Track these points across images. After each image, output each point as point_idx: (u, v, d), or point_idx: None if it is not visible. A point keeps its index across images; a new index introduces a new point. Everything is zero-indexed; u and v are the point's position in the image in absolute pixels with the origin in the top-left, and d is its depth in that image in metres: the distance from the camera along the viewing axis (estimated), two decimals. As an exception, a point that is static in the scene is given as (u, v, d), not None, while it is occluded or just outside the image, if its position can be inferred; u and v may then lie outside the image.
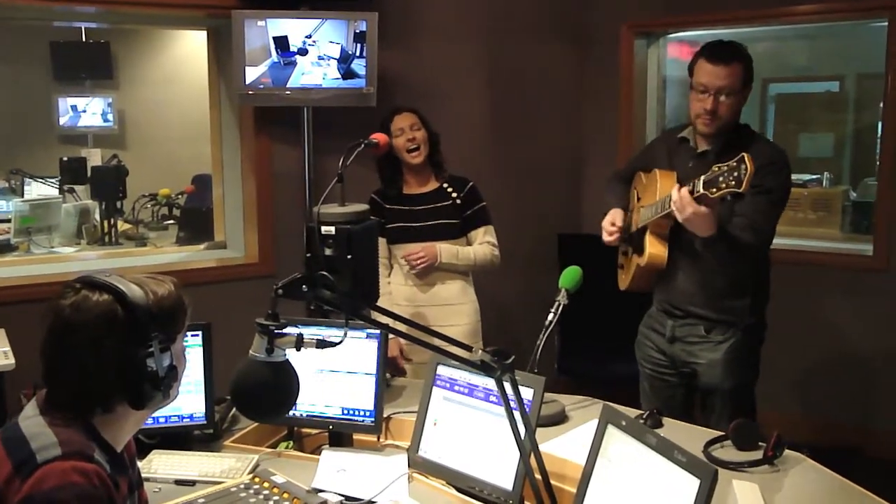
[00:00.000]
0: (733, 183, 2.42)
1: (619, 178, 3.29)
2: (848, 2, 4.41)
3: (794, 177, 5.37)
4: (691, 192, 2.57)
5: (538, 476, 1.94)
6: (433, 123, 3.67)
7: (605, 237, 3.08)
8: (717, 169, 2.47)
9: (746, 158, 2.39)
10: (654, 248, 2.90)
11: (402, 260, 3.58)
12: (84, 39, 7.88)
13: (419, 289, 3.60)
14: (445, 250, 3.56)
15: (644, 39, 5.16)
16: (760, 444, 2.35)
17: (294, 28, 4.07)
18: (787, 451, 2.31)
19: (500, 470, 2.17)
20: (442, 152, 3.69)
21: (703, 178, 2.52)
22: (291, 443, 2.64)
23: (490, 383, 2.18)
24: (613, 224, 3.06)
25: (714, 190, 2.47)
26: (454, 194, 3.63)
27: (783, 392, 4.67)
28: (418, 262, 3.52)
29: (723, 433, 2.45)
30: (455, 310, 3.63)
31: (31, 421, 1.59)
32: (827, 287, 4.65)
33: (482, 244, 3.64)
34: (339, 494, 2.22)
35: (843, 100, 6.34)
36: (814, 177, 5.76)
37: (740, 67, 2.84)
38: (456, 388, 2.33)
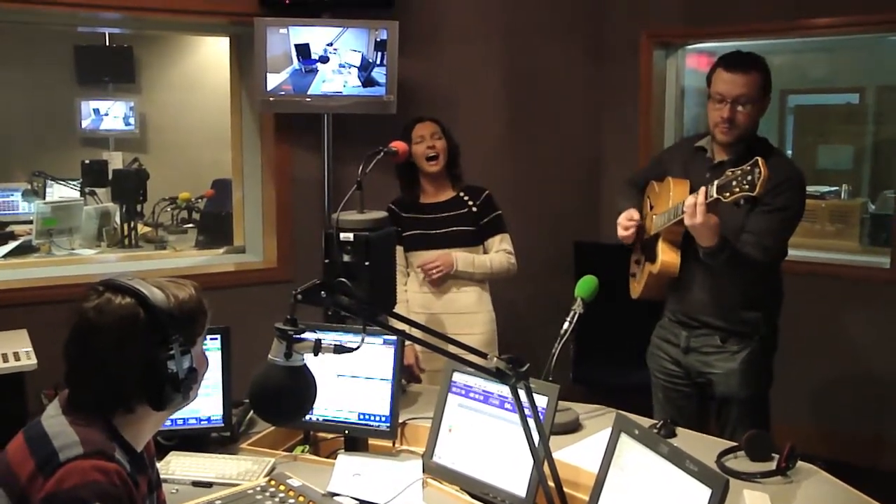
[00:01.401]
0: (747, 187, 2.44)
1: (633, 185, 3.29)
2: (867, 15, 4.40)
3: (812, 188, 5.42)
4: (706, 196, 2.59)
5: (551, 483, 1.96)
6: (452, 131, 3.69)
7: (621, 231, 3.06)
8: (730, 173, 2.50)
9: (760, 162, 2.41)
10: (667, 256, 2.91)
11: (418, 269, 3.60)
12: (107, 44, 7.96)
13: (435, 297, 3.61)
14: (461, 258, 3.57)
15: (663, 50, 5.17)
16: (774, 455, 2.35)
17: (316, 36, 4.11)
18: (800, 463, 2.32)
19: (514, 477, 2.18)
20: (461, 164, 3.71)
21: (716, 182, 2.55)
22: (307, 447, 2.66)
23: (505, 391, 2.20)
24: (632, 219, 3.04)
25: (727, 194, 2.50)
26: (470, 202, 3.65)
27: (798, 404, 4.66)
28: (434, 270, 3.54)
29: (736, 444, 2.46)
30: (471, 319, 3.63)
31: (54, 420, 1.62)
32: (843, 299, 4.63)
33: (498, 252, 3.64)
34: (354, 498, 2.24)
35: (863, 112, 6.31)
36: (832, 189, 5.74)
37: (758, 76, 2.85)
38: (471, 394, 2.35)
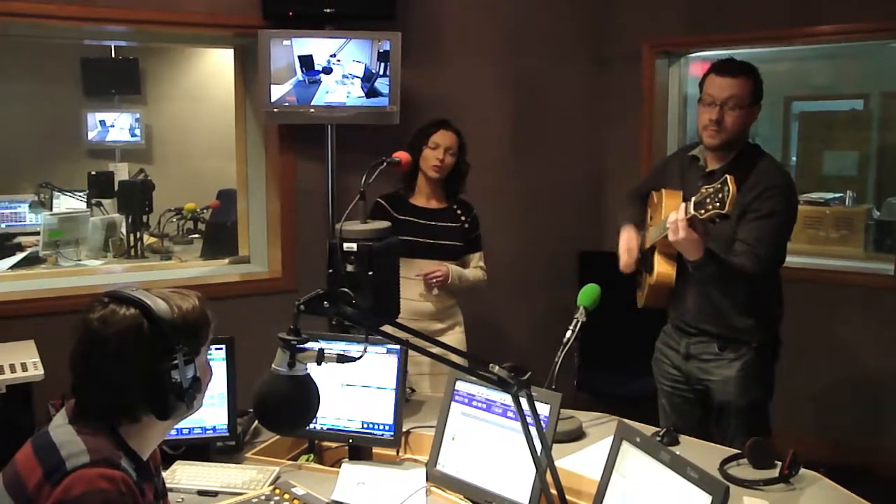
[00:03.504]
0: (718, 205, 2.47)
1: (635, 196, 3.31)
2: (871, 22, 4.41)
3: (816, 195, 5.42)
4: (685, 213, 2.61)
5: (554, 491, 1.97)
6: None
7: (622, 265, 3.13)
8: (704, 191, 2.53)
9: (729, 180, 2.45)
10: (662, 268, 2.94)
11: (416, 276, 3.62)
12: (113, 56, 8.00)
13: (416, 302, 3.64)
14: (455, 271, 3.66)
15: (665, 59, 5.19)
16: (777, 462, 2.36)
17: (319, 47, 4.14)
18: (802, 470, 2.32)
19: (517, 485, 2.19)
20: (464, 183, 3.77)
21: (693, 199, 2.58)
22: (312, 456, 2.67)
23: (508, 399, 2.21)
24: (629, 252, 3.10)
25: (702, 211, 2.53)
26: (463, 217, 3.72)
27: (801, 411, 4.65)
28: (436, 279, 3.58)
29: (739, 451, 2.46)
30: (452, 311, 3.76)
31: (61, 429, 1.64)
32: (848, 306, 4.63)
33: (475, 268, 3.77)
34: (358, 507, 2.26)
35: (868, 118, 6.31)
36: (837, 195, 5.74)
37: (749, 82, 2.88)
38: (474, 403, 2.36)
